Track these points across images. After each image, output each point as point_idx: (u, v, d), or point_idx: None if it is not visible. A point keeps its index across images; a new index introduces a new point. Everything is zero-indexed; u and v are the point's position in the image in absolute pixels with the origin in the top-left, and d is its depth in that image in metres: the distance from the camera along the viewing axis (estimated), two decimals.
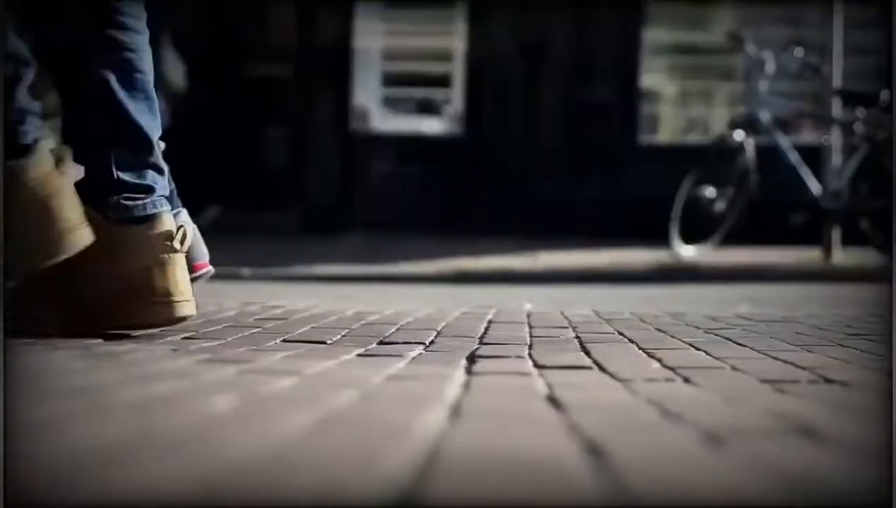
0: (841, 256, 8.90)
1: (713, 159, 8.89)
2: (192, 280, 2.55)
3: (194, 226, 2.68)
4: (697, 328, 2.83)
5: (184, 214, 2.73)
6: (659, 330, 2.76)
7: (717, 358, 2.07)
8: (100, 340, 2.27)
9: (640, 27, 12.01)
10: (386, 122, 12.16)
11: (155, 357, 1.96)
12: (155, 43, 2.51)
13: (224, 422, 1.24)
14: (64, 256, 2.22)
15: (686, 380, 1.72)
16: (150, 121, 2.44)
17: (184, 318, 2.40)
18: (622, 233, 10.67)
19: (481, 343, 2.37)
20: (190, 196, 2.93)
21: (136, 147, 2.41)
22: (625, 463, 1.03)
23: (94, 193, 2.34)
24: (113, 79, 2.39)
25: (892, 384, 1.72)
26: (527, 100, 11.95)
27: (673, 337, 2.56)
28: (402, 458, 1.02)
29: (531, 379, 1.72)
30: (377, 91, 12.21)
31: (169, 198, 2.49)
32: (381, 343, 2.33)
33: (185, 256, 2.44)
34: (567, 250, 9.44)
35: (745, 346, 2.33)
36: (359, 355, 2.07)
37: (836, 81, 9.14)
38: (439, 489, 0.91)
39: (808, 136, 10.52)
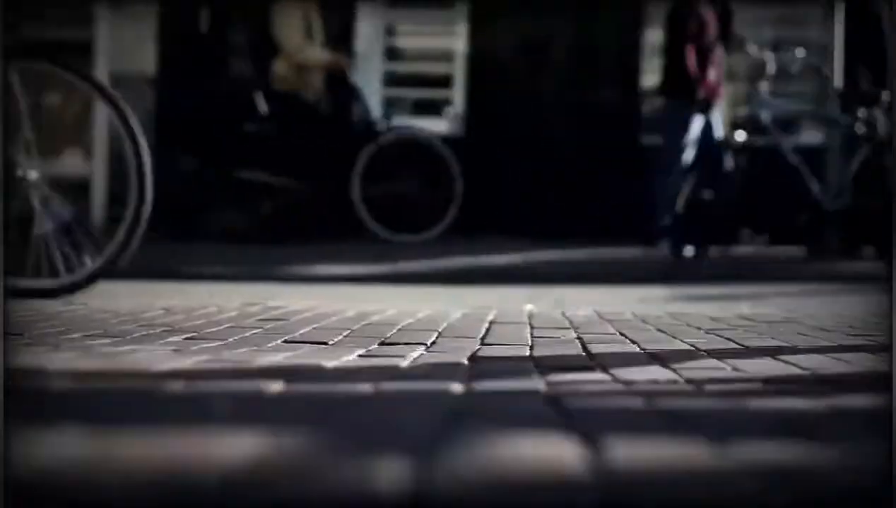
0: (842, 256, 8.89)
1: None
2: None
3: None
4: (699, 328, 2.83)
5: None
6: (660, 330, 2.76)
7: (719, 359, 2.07)
8: (100, 340, 2.27)
9: (641, 27, 12.02)
10: (386, 123, 12.16)
11: (156, 357, 1.95)
12: None
13: (224, 422, 1.24)
14: None
15: (687, 381, 1.72)
16: None
17: None
18: (623, 232, 10.67)
19: (482, 343, 2.36)
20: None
21: None
22: (625, 463, 1.03)
23: None
24: None
25: (892, 384, 1.72)
26: (528, 100, 11.96)
27: (674, 337, 2.55)
28: (403, 458, 1.02)
29: (532, 380, 1.72)
30: (378, 91, 12.23)
31: None
32: (382, 344, 2.32)
33: None
34: (568, 250, 9.43)
35: (746, 346, 2.33)
36: (360, 356, 2.07)
37: (837, 82, 9.14)
38: (439, 489, 0.91)
39: (809, 137, 10.51)
